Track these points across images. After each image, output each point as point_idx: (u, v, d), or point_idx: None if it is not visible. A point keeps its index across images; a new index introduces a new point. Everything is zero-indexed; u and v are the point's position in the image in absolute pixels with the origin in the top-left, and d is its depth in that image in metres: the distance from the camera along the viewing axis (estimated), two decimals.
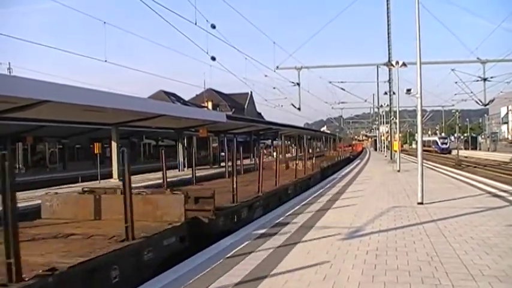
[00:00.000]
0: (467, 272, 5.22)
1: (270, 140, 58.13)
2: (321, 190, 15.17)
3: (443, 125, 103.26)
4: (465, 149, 74.86)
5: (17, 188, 4.60)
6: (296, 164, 18.77)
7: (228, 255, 6.34)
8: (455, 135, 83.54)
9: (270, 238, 7.43)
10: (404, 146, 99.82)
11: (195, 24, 18.60)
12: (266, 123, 45.83)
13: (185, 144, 28.80)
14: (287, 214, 9.96)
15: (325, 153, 49.14)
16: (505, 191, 13.37)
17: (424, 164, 12.83)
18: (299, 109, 35.46)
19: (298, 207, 11.10)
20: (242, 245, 6.92)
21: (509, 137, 73.57)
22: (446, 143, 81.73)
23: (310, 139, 68.79)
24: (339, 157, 39.59)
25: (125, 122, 21.50)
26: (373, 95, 54.13)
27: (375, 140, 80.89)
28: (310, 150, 29.59)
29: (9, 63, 43.06)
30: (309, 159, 21.15)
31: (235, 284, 5.00)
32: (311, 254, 6.32)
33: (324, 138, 77.54)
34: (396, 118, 30.79)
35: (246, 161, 36.33)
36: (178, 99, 66.55)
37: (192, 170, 17.26)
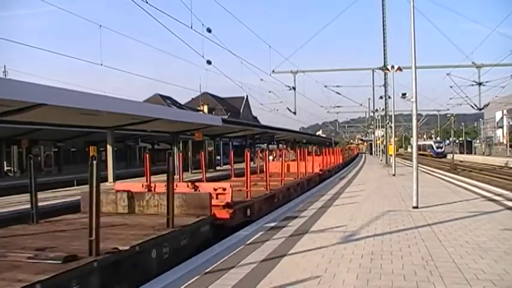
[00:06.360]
0: (462, 276, 5.23)
1: (265, 144, 58.24)
2: None
3: (438, 129, 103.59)
4: (460, 153, 75.06)
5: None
6: None
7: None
8: (451, 139, 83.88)
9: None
10: (399, 150, 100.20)
11: (191, 28, 18.64)
12: (261, 127, 45.88)
13: (181, 148, 28.78)
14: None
15: None
16: (499, 195, 13.41)
17: (419, 168, 12.89)
18: (295, 113, 35.58)
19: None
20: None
21: (504, 141, 73.85)
22: (441, 147, 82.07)
23: (305, 143, 68.92)
24: None
25: (121, 125, 21.46)
26: (369, 99, 54.32)
27: (371, 144, 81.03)
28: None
29: (4, 66, 42.90)
30: None
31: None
32: (306, 258, 6.32)
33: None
34: (392, 122, 30.88)
35: (241, 165, 36.37)
36: (174, 102, 66.60)
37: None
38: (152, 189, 10.65)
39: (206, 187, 10.04)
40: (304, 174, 19.35)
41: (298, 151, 25.35)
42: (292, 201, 13.47)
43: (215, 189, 9.62)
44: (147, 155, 14.78)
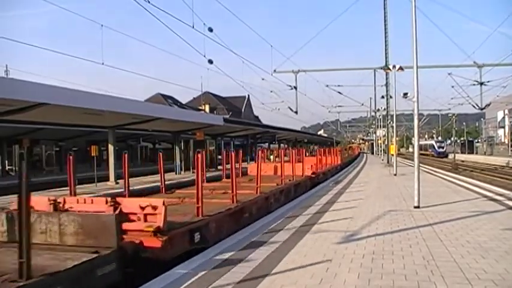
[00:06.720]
0: (463, 276, 5.23)
1: (267, 144, 58.33)
2: None
3: (440, 128, 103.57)
4: (462, 152, 74.98)
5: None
6: None
7: None
8: (452, 139, 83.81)
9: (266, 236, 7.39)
10: (401, 149, 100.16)
11: (193, 27, 18.70)
12: (263, 126, 45.91)
13: (182, 147, 28.78)
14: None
15: None
16: (501, 195, 13.40)
17: (420, 168, 12.86)
18: (296, 112, 35.67)
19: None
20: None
21: (506, 141, 73.76)
22: (443, 147, 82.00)
23: (306, 142, 68.99)
24: None
25: (122, 124, 21.49)
26: (370, 98, 54.50)
27: (372, 144, 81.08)
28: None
29: (6, 65, 42.94)
30: None
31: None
32: (308, 258, 6.32)
33: None
34: (393, 122, 30.88)
35: (242, 165, 36.33)
36: (176, 102, 66.73)
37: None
38: (61, 206, 7.50)
39: (130, 205, 7.03)
40: (291, 179, 16.64)
41: (282, 151, 23.41)
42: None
43: (142, 208, 6.84)
44: (72, 157, 10.82)
